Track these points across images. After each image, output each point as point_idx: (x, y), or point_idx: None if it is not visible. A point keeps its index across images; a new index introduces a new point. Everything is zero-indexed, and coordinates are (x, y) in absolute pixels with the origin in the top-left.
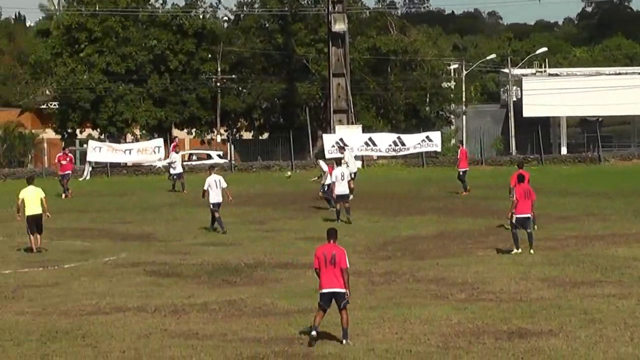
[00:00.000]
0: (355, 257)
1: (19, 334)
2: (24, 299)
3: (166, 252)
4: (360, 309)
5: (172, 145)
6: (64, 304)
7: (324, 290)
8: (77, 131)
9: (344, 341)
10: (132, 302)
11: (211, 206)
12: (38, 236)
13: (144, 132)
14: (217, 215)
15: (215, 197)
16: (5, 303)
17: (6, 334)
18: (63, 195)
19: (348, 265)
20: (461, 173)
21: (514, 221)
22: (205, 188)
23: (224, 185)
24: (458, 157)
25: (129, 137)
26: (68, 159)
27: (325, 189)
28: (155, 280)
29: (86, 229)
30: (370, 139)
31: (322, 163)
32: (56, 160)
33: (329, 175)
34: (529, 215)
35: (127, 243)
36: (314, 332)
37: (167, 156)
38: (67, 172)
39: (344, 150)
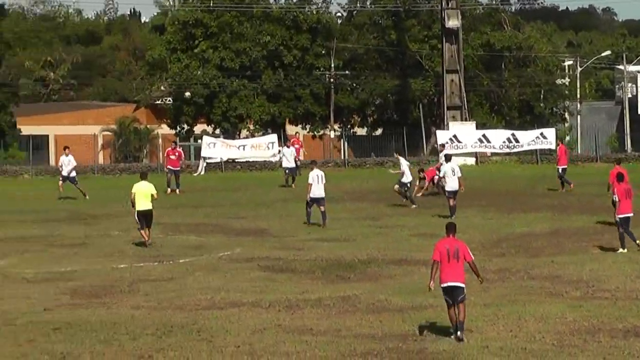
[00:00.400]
0: None
1: (134, 327)
2: (140, 293)
3: (280, 248)
4: (475, 306)
5: (292, 140)
6: (179, 299)
7: (446, 284)
8: (191, 126)
9: (458, 333)
10: (246, 297)
11: (308, 199)
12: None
13: (257, 127)
14: (309, 209)
15: (315, 191)
16: (121, 297)
17: (122, 328)
18: (168, 191)
19: (473, 257)
20: (560, 171)
21: (618, 221)
22: (310, 182)
23: (324, 181)
24: (557, 154)
25: (244, 132)
26: (177, 154)
27: (409, 186)
28: (270, 275)
29: (200, 224)
30: (484, 135)
31: (402, 160)
32: (165, 155)
33: (407, 173)
34: (631, 214)
35: (241, 238)
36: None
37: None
38: (177, 169)
39: (444, 147)
